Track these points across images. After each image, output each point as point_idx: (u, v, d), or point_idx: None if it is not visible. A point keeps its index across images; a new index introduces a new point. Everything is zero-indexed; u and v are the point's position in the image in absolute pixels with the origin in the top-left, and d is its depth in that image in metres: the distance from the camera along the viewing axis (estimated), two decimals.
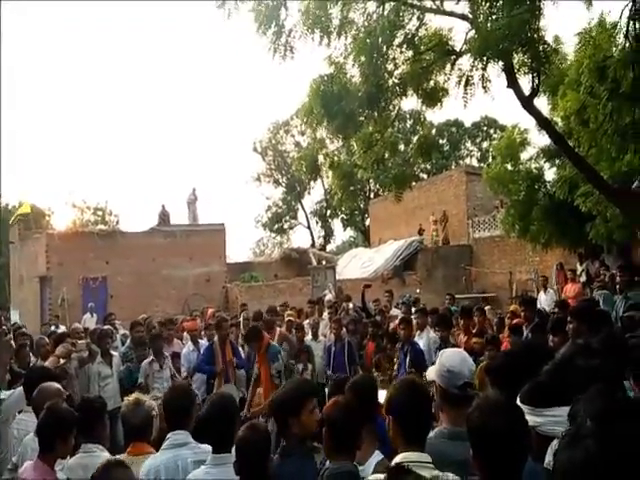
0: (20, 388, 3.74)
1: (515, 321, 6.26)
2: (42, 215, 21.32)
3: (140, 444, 2.85)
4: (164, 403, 2.95)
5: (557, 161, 12.09)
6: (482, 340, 5.89)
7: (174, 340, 6.87)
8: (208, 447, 2.62)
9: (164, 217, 18.86)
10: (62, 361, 4.79)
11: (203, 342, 7.00)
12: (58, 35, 69.70)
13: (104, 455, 3.00)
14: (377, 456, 2.49)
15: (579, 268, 12.23)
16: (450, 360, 2.75)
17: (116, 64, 62.56)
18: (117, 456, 2.93)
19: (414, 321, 6.73)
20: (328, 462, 2.31)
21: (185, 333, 7.35)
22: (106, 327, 7.05)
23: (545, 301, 10.59)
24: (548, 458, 1.77)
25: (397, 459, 2.05)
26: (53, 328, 9.60)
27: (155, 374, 5.81)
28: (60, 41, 68.14)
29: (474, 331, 6.53)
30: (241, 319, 8.65)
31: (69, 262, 15.95)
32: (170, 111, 71.28)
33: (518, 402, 1.98)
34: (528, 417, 1.78)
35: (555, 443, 1.74)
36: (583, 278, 11.80)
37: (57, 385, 3.46)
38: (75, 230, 18.35)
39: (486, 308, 8.34)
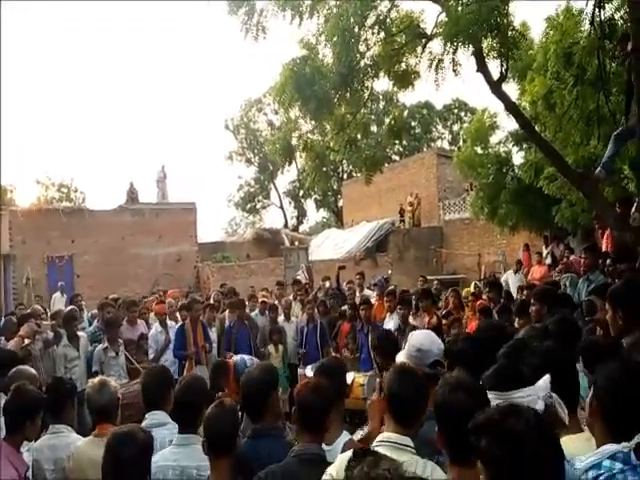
0: None
1: (479, 302, 6.41)
2: (4, 192, 20.58)
3: (106, 425, 2.86)
4: (142, 385, 2.96)
5: (525, 145, 12.31)
6: (448, 321, 6.04)
7: (138, 322, 6.74)
8: None
9: (132, 195, 18.49)
10: (27, 341, 4.72)
11: (170, 323, 6.96)
12: (22, 7, 66.47)
13: (73, 436, 3.02)
14: (345, 436, 2.57)
15: (545, 251, 12.59)
16: (419, 340, 2.83)
17: (85, 38, 60.27)
18: (84, 438, 2.95)
19: (385, 303, 6.83)
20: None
21: (152, 314, 7.27)
22: (70, 307, 6.91)
23: (514, 283, 10.84)
24: None
25: (379, 437, 2.12)
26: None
27: (110, 361, 5.73)
28: (25, 14, 65.04)
29: (443, 312, 6.66)
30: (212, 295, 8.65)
31: (33, 240, 15.55)
32: (139, 86, 69.27)
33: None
34: (494, 402, 1.85)
35: None
36: (549, 260, 12.15)
37: (33, 371, 3.45)
38: (39, 207, 17.83)
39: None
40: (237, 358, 5.25)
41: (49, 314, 7.31)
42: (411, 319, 6.37)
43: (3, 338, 5.77)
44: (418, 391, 2.16)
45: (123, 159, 63.69)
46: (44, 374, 5.22)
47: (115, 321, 6.15)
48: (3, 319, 6.80)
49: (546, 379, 1.88)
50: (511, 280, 11.06)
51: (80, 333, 6.22)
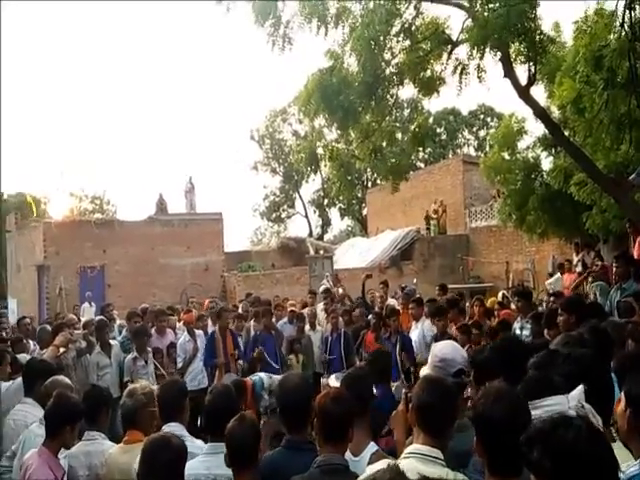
0: (19, 379, 3.78)
1: (504, 312, 6.29)
2: (39, 203, 21.24)
3: (135, 432, 2.91)
4: (157, 397, 3.00)
5: (554, 150, 12.08)
6: (478, 331, 5.94)
7: (167, 331, 6.84)
8: (201, 442, 2.67)
9: (161, 206, 18.86)
10: (62, 350, 4.83)
11: (198, 332, 7.04)
12: (53, 19, 68.91)
13: (107, 443, 3.08)
14: (372, 447, 2.52)
15: (575, 258, 12.29)
16: (442, 350, 2.80)
17: (115, 52, 62.06)
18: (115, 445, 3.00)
19: (410, 311, 6.77)
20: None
21: (180, 323, 7.38)
22: (99, 318, 7.05)
23: (556, 287, 10.55)
24: None
25: (408, 449, 2.09)
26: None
27: (140, 370, 5.80)
28: (56, 24, 67.34)
29: (470, 322, 6.55)
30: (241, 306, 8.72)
31: (66, 251, 15.97)
32: (167, 99, 70.79)
33: None
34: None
35: None
36: (579, 268, 11.85)
37: (68, 380, 3.53)
38: (72, 219, 18.32)
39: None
40: (255, 378, 5.18)
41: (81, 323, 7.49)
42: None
43: (38, 347, 5.95)
44: (448, 401, 2.12)
45: (152, 171, 65.09)
46: (76, 383, 5.35)
47: (142, 330, 6.23)
48: (38, 328, 7.00)
49: (580, 389, 1.83)
50: (555, 283, 10.79)
51: (112, 342, 6.35)
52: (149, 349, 6.09)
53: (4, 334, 6.30)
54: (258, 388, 5.16)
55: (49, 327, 6.34)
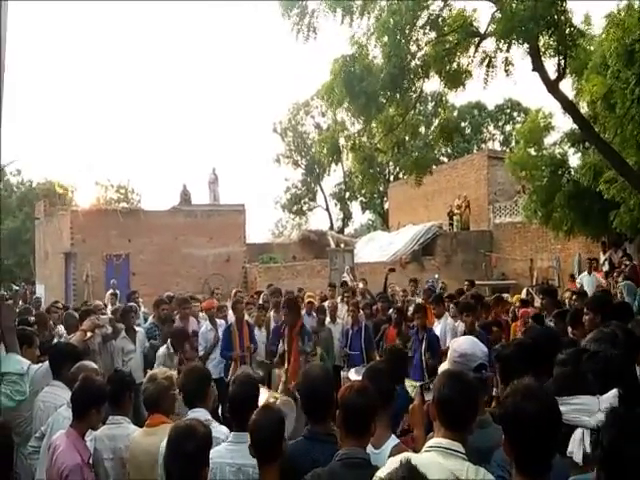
0: (47, 362, 3.89)
1: (524, 310, 6.22)
2: (66, 191, 21.64)
3: (157, 416, 2.98)
4: (181, 384, 3.05)
5: (582, 146, 11.83)
6: (498, 328, 5.89)
7: (190, 319, 6.91)
8: (225, 428, 2.70)
9: (185, 196, 19.05)
10: (89, 334, 4.95)
11: (220, 321, 7.11)
12: (82, 15, 69.94)
13: (131, 427, 3.15)
14: (392, 440, 2.53)
15: (602, 257, 12.05)
16: (462, 345, 2.79)
17: (141, 44, 62.66)
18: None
19: (433, 310, 6.72)
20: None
21: (202, 313, 7.46)
22: (129, 304, 7.19)
23: (589, 284, 10.40)
24: (571, 447, 1.78)
25: (429, 443, 2.09)
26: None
27: (173, 361, 5.84)
28: (83, 22, 68.31)
29: (489, 319, 6.51)
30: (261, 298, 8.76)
31: (93, 239, 16.28)
32: (192, 91, 71.34)
33: None
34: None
35: (579, 432, 1.76)
36: (606, 267, 11.62)
37: (94, 365, 3.62)
38: (99, 207, 18.64)
39: (505, 295, 8.35)
40: None
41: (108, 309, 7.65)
42: (458, 322, 6.26)
43: (65, 332, 6.09)
44: (469, 395, 2.10)
45: (177, 162, 65.75)
46: (102, 368, 5.47)
47: (181, 332, 6.13)
48: (65, 313, 7.17)
49: (614, 392, 1.79)
50: (585, 281, 10.61)
51: (137, 328, 6.47)
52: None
53: (31, 318, 6.47)
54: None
55: (75, 313, 6.49)
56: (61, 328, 6.47)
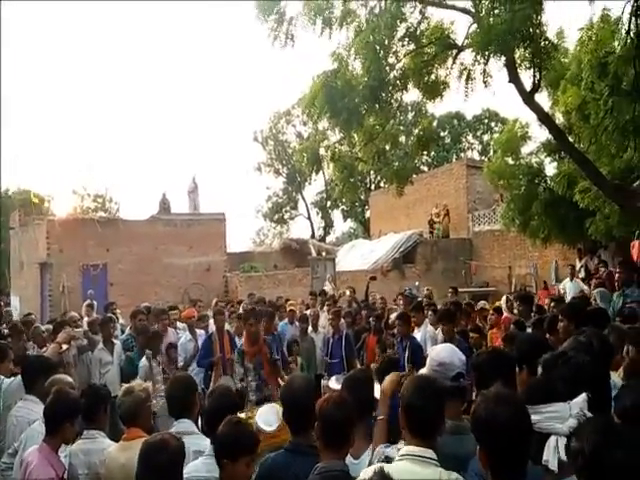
0: (19, 376, 3.80)
1: (511, 316, 6.30)
2: (42, 201, 21.25)
3: (134, 429, 2.93)
4: (168, 393, 3.00)
5: (557, 156, 12.08)
6: (477, 335, 5.95)
7: (168, 330, 6.81)
8: (208, 441, 2.64)
9: (165, 205, 18.86)
10: (64, 347, 4.85)
11: (200, 332, 7.03)
12: (54, 20, 69.22)
13: (106, 441, 3.09)
14: (371, 451, 2.49)
15: (578, 264, 12.27)
16: (439, 354, 2.79)
17: (116, 52, 62.16)
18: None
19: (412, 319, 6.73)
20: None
21: (180, 323, 7.35)
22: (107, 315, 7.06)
23: (571, 291, 10.48)
24: (546, 455, 1.79)
25: (401, 451, 2.08)
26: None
27: (156, 376, 5.70)
28: (58, 28, 67.59)
29: (469, 327, 6.56)
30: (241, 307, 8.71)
31: (69, 249, 15.99)
32: (171, 99, 70.91)
33: None
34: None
35: (553, 439, 1.77)
36: (582, 274, 11.84)
37: (70, 378, 3.56)
38: (76, 217, 18.33)
39: (481, 303, 8.43)
40: None
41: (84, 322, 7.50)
42: (438, 330, 6.28)
43: (36, 345, 5.95)
44: (435, 401, 2.10)
45: (156, 170, 65.15)
46: (77, 380, 5.36)
47: (157, 335, 6.04)
48: (32, 328, 6.97)
49: (583, 397, 1.82)
50: (568, 287, 10.74)
51: (114, 340, 6.35)
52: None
53: (5, 331, 6.30)
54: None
55: (42, 327, 6.34)
56: (30, 343, 6.28)
